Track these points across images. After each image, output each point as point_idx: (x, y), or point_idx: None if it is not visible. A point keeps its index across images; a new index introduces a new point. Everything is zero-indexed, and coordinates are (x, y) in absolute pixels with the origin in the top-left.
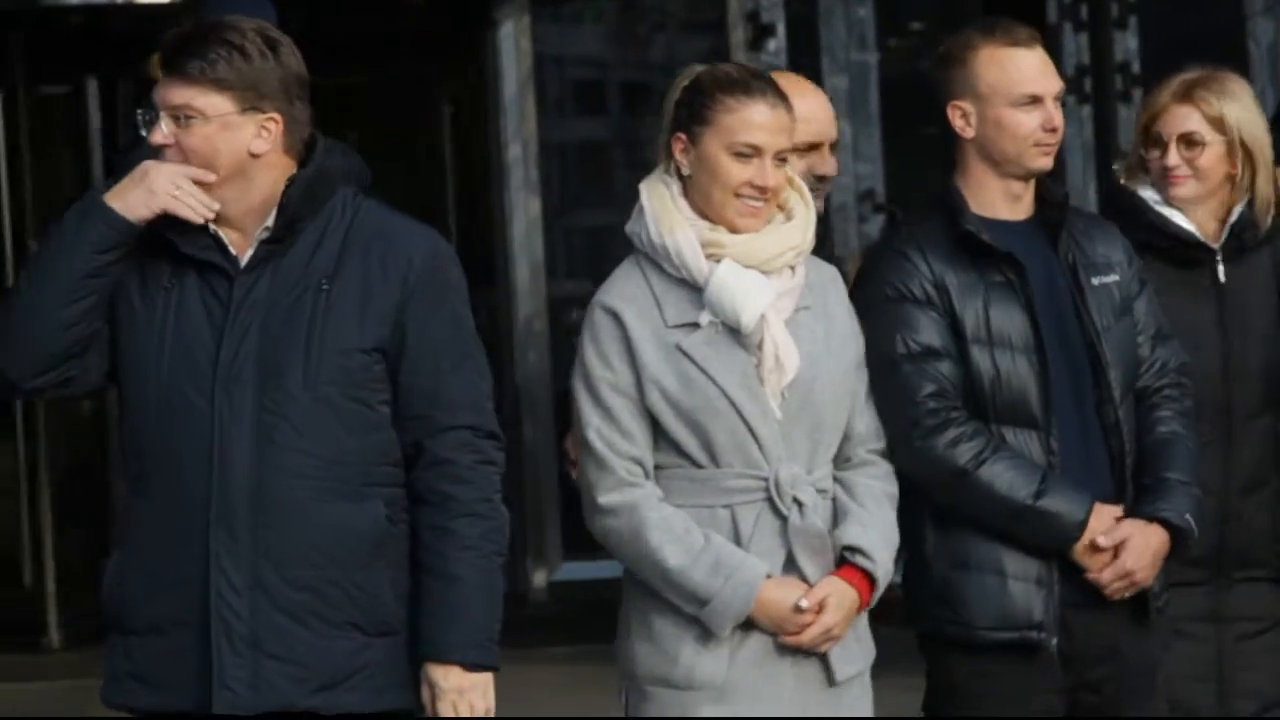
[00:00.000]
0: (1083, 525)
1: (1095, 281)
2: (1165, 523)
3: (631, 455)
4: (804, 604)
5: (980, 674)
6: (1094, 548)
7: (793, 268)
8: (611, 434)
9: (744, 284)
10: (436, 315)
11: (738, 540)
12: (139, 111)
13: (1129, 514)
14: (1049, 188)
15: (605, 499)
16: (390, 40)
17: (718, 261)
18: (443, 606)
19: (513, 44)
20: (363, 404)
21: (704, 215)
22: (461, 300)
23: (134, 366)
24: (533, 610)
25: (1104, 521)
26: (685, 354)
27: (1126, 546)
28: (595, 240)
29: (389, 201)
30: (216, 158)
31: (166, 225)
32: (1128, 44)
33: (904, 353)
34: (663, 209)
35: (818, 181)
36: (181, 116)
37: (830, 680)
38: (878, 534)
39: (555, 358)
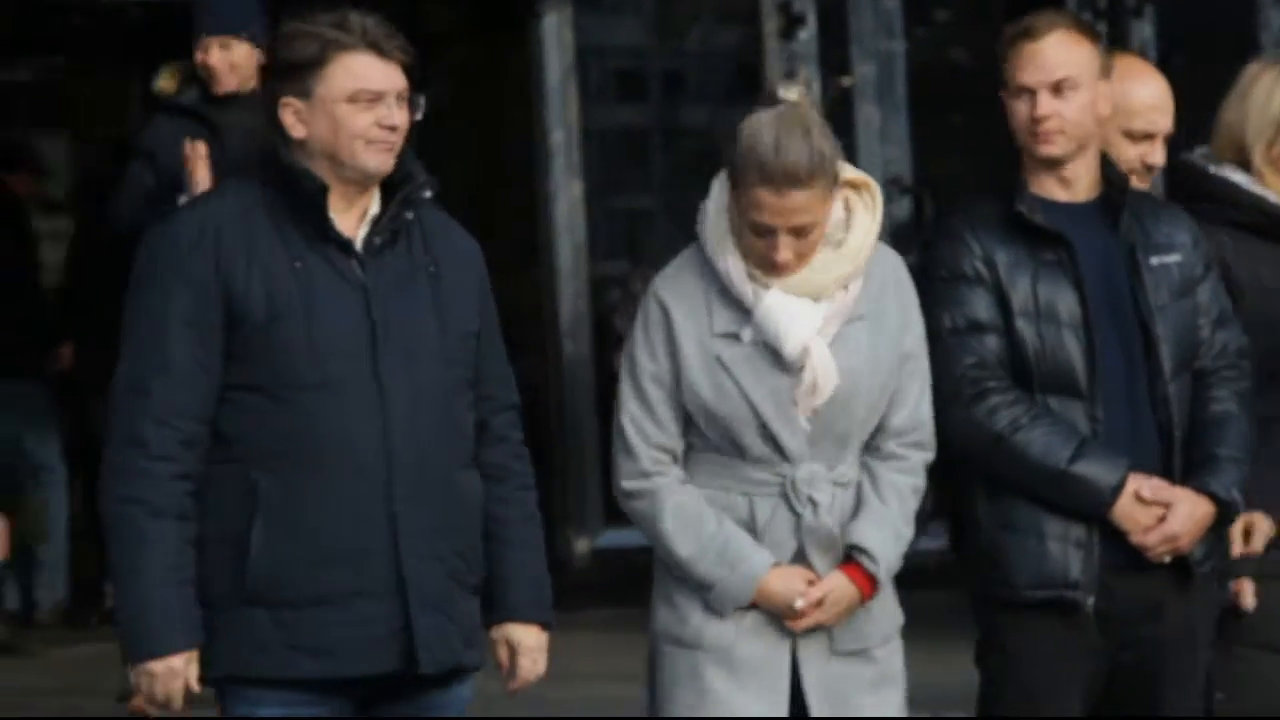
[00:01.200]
0: (1117, 491)
1: (1154, 261)
2: (1212, 496)
3: (661, 444)
4: (799, 605)
5: (1023, 631)
6: (1137, 499)
7: (846, 286)
8: (644, 422)
9: (790, 313)
10: (487, 303)
11: (753, 528)
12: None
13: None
14: (1114, 169)
15: (628, 484)
16: (439, 33)
17: (765, 288)
18: (518, 570)
19: (555, 35)
20: (470, 383)
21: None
22: (490, 291)
23: (274, 354)
24: (575, 576)
25: (1148, 486)
26: (724, 366)
27: (1173, 511)
28: (634, 222)
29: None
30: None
31: (314, 200)
32: (1143, 32)
33: (950, 327)
34: (717, 229)
35: (1146, 171)
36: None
37: (834, 650)
38: (889, 532)
39: (596, 334)
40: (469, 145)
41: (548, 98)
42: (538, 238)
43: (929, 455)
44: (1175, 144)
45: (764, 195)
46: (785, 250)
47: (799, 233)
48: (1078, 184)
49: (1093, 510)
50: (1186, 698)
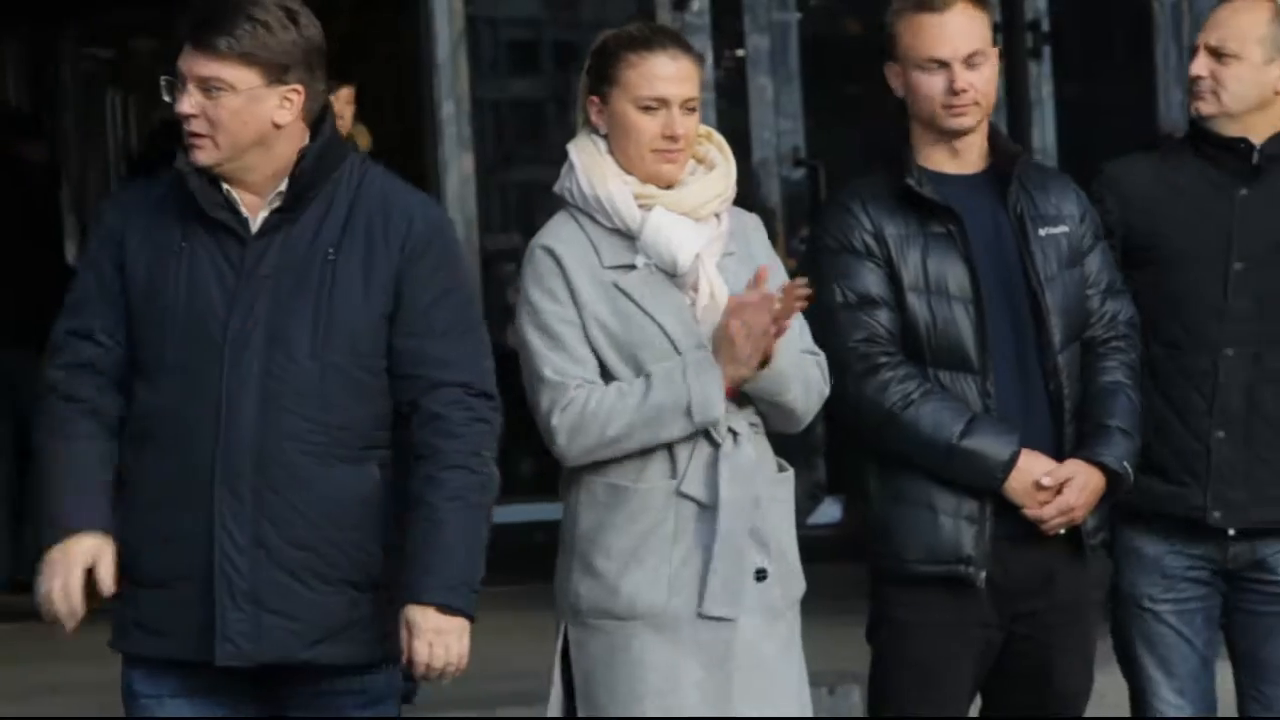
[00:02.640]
0: (1008, 467)
1: (1043, 232)
2: (1104, 467)
3: (583, 378)
4: (1046, 481)
5: (914, 606)
6: (1037, 487)
7: (718, 216)
8: (565, 363)
9: (677, 227)
10: (430, 281)
11: (674, 470)
12: (164, 79)
13: (1069, 456)
14: (1002, 141)
15: (558, 420)
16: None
17: (648, 210)
18: (425, 550)
19: (446, 4)
20: (368, 371)
21: (628, 170)
22: (455, 268)
23: (149, 331)
24: None
25: (1040, 464)
26: (623, 291)
27: (1069, 484)
28: (528, 196)
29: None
30: (243, 129)
31: (186, 181)
32: (1037, 3)
33: (841, 301)
34: (593, 163)
35: None
36: (210, 88)
37: (772, 611)
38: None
39: (488, 308)
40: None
41: (438, 68)
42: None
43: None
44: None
45: (656, 67)
46: (680, 124)
47: (689, 109)
48: (968, 155)
49: (984, 485)
50: (1076, 668)
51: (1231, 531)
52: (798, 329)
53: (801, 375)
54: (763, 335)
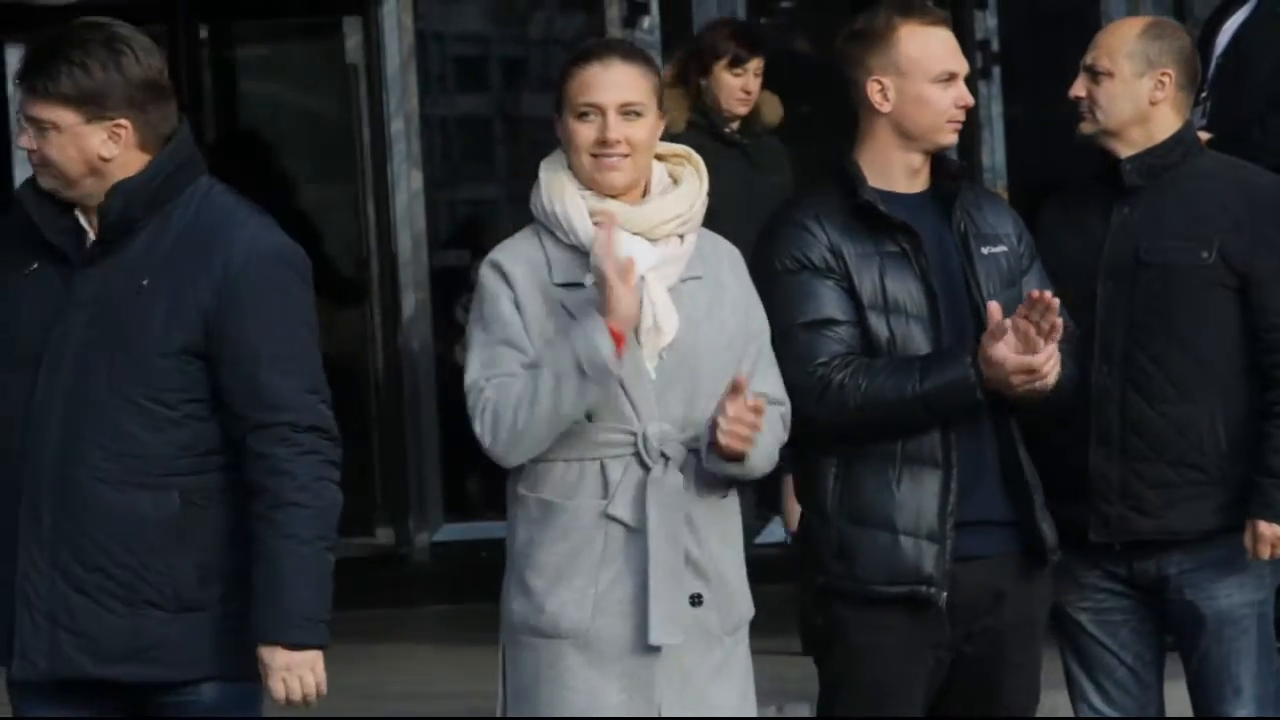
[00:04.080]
0: (977, 381)
1: (985, 251)
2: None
3: (501, 373)
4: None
5: (870, 627)
6: (1014, 369)
7: (681, 237)
8: (503, 360)
9: (626, 248)
10: (252, 316)
11: (605, 490)
12: (19, 117)
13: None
14: (944, 161)
15: (479, 425)
16: (277, 15)
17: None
18: (265, 590)
19: (395, 20)
20: (164, 404)
21: (588, 186)
22: (281, 298)
23: (1, 352)
24: (414, 570)
25: (1001, 351)
26: (569, 312)
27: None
28: (476, 213)
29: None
30: (70, 164)
31: (35, 207)
32: (987, 22)
33: (803, 322)
34: (553, 179)
35: None
36: (40, 127)
37: (707, 637)
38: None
39: (436, 326)
40: (310, 132)
41: (388, 84)
42: (378, 228)
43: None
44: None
45: (587, 75)
46: (615, 130)
47: (628, 114)
48: (923, 174)
49: (972, 401)
50: (1024, 687)
51: (1118, 546)
52: (769, 374)
53: (766, 449)
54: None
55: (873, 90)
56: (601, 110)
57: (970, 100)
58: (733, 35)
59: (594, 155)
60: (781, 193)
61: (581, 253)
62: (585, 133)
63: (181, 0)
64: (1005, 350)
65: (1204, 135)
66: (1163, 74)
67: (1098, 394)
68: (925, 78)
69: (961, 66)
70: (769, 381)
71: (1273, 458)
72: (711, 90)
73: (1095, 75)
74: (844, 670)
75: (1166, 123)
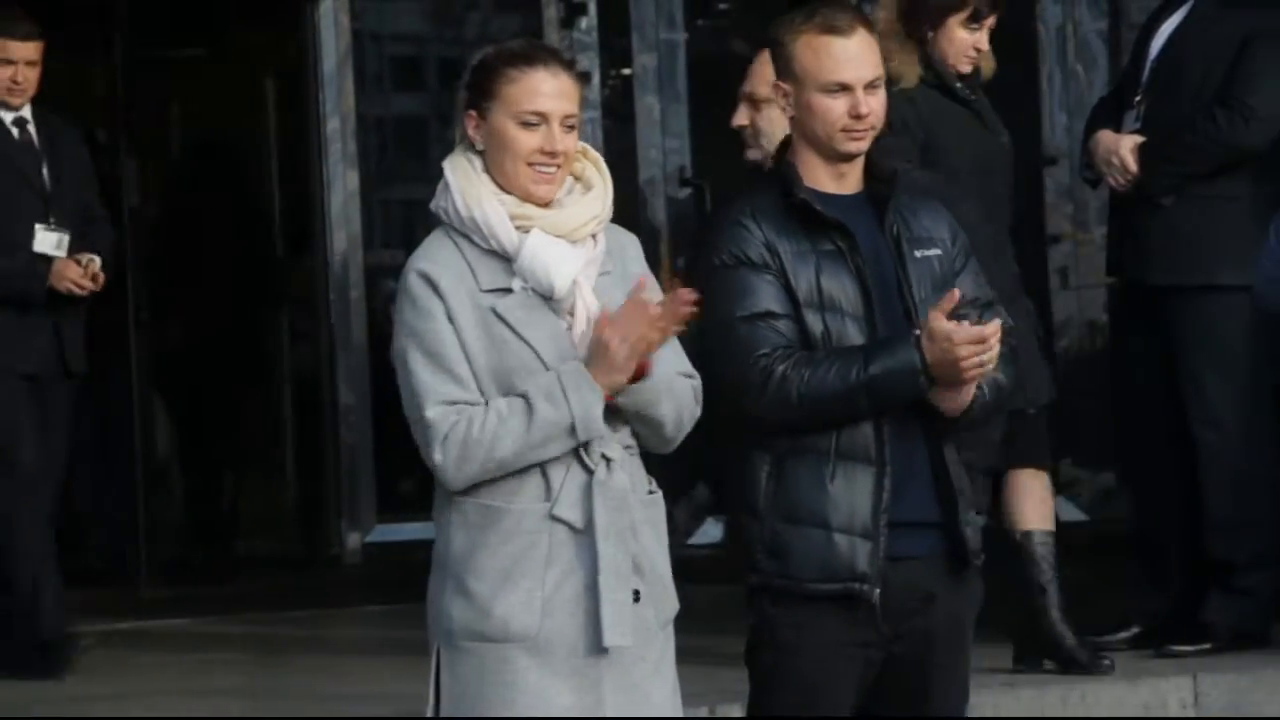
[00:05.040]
0: (922, 367)
1: (918, 254)
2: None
3: (465, 400)
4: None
5: (802, 625)
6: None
7: (594, 236)
8: (448, 387)
9: (554, 252)
10: None
11: (548, 493)
12: None
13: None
14: (878, 164)
15: (440, 455)
16: (217, 15)
17: (526, 232)
18: None
19: (332, 19)
20: None
21: (505, 189)
22: None
23: None
24: (346, 572)
25: (943, 325)
26: (500, 316)
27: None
28: (412, 212)
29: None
30: None
31: None
32: None
33: (741, 315)
34: (468, 183)
35: None
36: None
37: (644, 628)
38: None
39: (371, 325)
40: (249, 130)
41: (324, 84)
42: (313, 227)
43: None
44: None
45: (535, 82)
46: (560, 141)
47: (569, 126)
48: (851, 176)
49: (916, 388)
50: (954, 688)
51: None
52: (672, 351)
53: (674, 392)
54: (639, 341)
55: (778, 95)
56: (547, 119)
57: (863, 110)
58: None
59: (531, 164)
60: (1008, 154)
61: (504, 258)
62: (528, 141)
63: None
64: (950, 324)
65: (1138, 138)
66: None
67: None
68: (815, 87)
69: (857, 77)
70: (668, 358)
71: None
72: (939, 44)
73: (755, 103)
74: (774, 669)
75: None
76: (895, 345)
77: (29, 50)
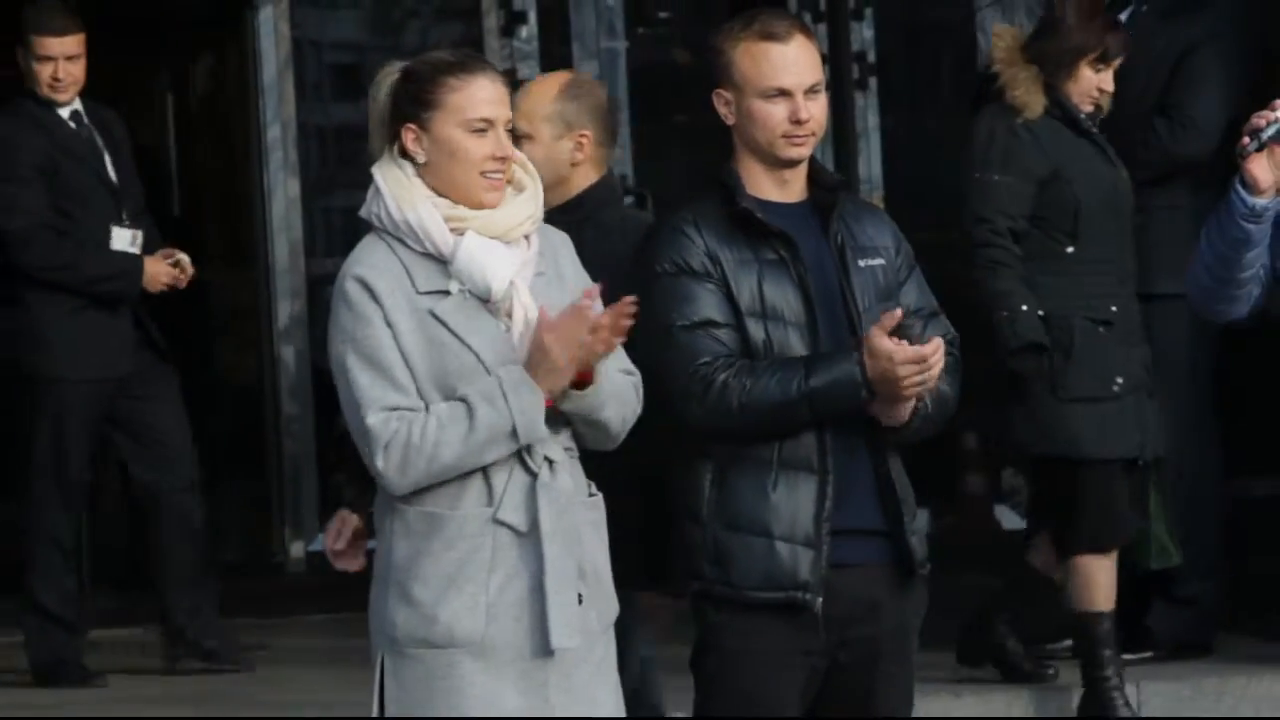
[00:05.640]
0: (865, 381)
1: (861, 264)
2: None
3: (405, 406)
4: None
5: (745, 633)
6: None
7: (528, 237)
8: (388, 393)
9: (491, 253)
10: None
11: (490, 497)
12: None
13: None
14: (822, 172)
15: (383, 461)
16: (155, 21)
17: (460, 234)
18: None
19: (272, 27)
20: None
21: (442, 196)
22: None
23: None
24: (290, 580)
25: (885, 345)
26: (438, 319)
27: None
28: (352, 220)
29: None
30: None
31: None
32: (864, 34)
33: (682, 324)
34: (400, 188)
35: None
36: None
37: (587, 630)
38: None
39: (312, 332)
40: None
41: (264, 92)
42: (254, 235)
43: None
44: None
45: (480, 90)
46: (508, 146)
47: (509, 130)
48: (794, 184)
49: (857, 401)
50: (899, 696)
51: None
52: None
53: (617, 394)
54: (580, 347)
55: (719, 103)
56: (494, 125)
57: (803, 115)
58: (1106, 30)
59: (483, 173)
60: (1129, 189)
61: (439, 260)
62: (480, 148)
63: None
64: (891, 343)
65: None
66: (581, 135)
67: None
68: (754, 93)
69: (797, 82)
70: (617, 355)
71: None
72: (1063, 81)
73: (517, 139)
74: (718, 677)
75: (586, 181)
76: (836, 358)
77: (67, 45)
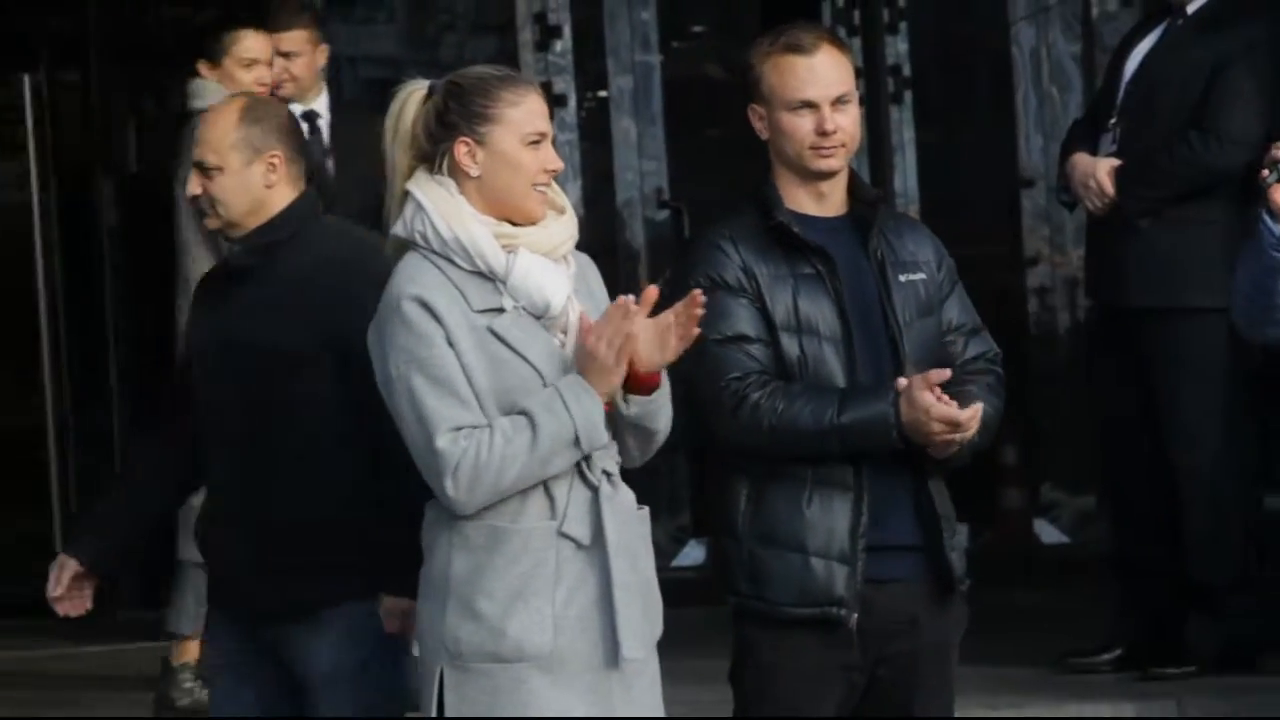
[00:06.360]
0: (896, 423)
1: (902, 278)
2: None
3: (471, 424)
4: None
5: (781, 649)
6: (934, 415)
7: (566, 257)
8: (456, 412)
9: (545, 270)
10: None
11: (553, 511)
12: None
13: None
14: (862, 186)
15: (452, 485)
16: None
17: (511, 252)
18: None
19: None
20: None
21: (487, 212)
22: None
23: None
24: None
25: (923, 395)
26: (496, 335)
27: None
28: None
29: None
30: None
31: None
32: (899, 48)
33: (716, 338)
34: (447, 205)
35: None
36: None
37: (647, 641)
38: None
39: None
40: None
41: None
42: None
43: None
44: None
45: (536, 104)
46: (556, 158)
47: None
48: (832, 198)
49: (888, 442)
50: (938, 711)
51: None
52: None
53: (668, 403)
54: (625, 340)
55: (754, 119)
56: (545, 137)
57: (829, 126)
58: None
59: (537, 184)
60: None
61: (487, 278)
62: (534, 161)
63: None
64: (931, 398)
65: (1114, 162)
66: (272, 156)
67: (223, 480)
68: (782, 106)
69: (822, 94)
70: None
71: (392, 528)
72: None
73: (207, 171)
74: (756, 691)
75: (284, 201)
76: (871, 397)
77: (284, 41)
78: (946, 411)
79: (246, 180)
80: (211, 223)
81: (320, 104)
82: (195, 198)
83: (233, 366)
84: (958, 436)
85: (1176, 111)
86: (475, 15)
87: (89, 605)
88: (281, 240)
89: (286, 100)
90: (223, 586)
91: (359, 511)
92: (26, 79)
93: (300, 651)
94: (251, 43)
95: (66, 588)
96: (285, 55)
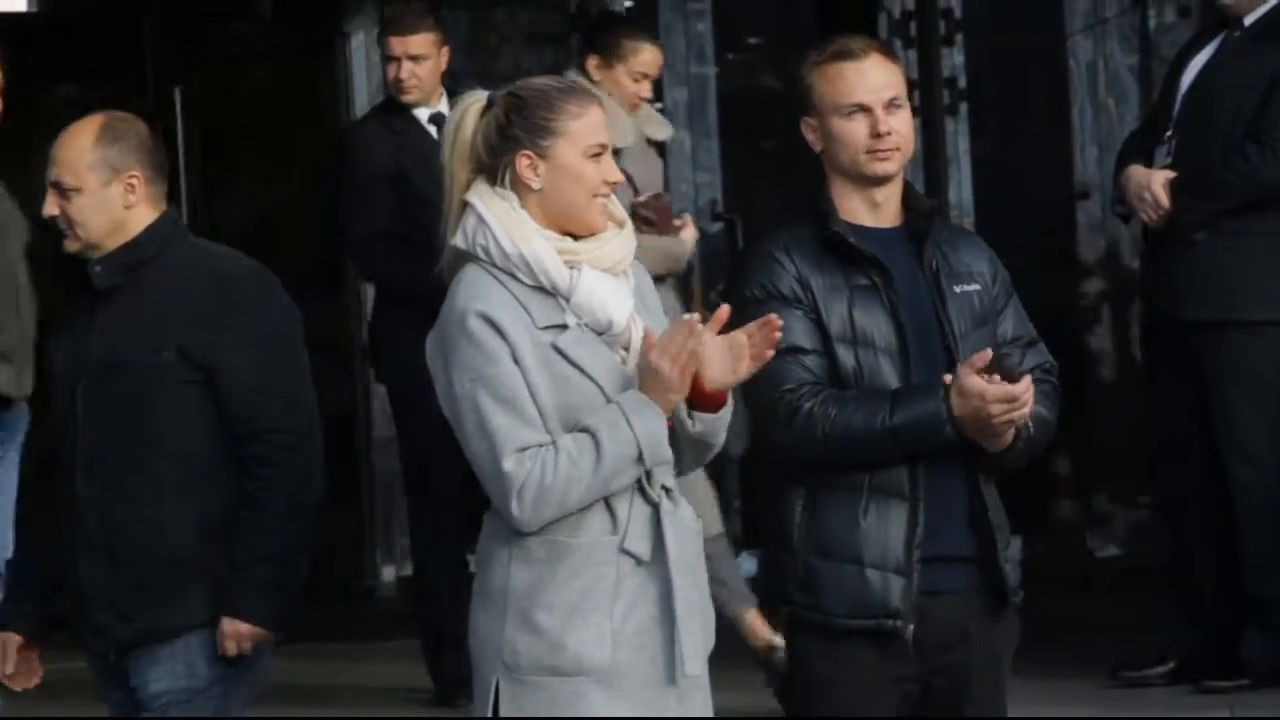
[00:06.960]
0: (949, 417)
1: (957, 289)
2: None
3: (537, 442)
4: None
5: (836, 660)
6: (986, 397)
7: (626, 272)
8: (522, 431)
9: (609, 287)
10: None
11: (614, 526)
12: None
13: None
14: (917, 197)
15: (517, 506)
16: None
17: (574, 268)
18: None
19: (364, 54)
20: None
21: (548, 225)
22: None
23: None
24: (380, 605)
25: (975, 383)
26: (561, 353)
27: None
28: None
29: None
30: None
31: None
32: (954, 59)
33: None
34: (511, 220)
35: None
36: None
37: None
38: None
39: None
40: (279, 167)
41: (356, 119)
42: (343, 264)
43: None
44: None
45: (598, 116)
46: (616, 170)
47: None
48: (887, 209)
49: (941, 439)
50: None
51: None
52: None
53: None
54: (688, 358)
55: (807, 131)
56: (606, 149)
57: (883, 129)
58: None
59: (598, 195)
60: None
61: (549, 294)
62: (597, 173)
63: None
64: (981, 381)
65: (1170, 174)
66: (130, 177)
67: (81, 502)
68: (833, 112)
69: (874, 97)
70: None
71: (239, 552)
72: None
73: (64, 192)
74: (809, 702)
75: (145, 221)
76: (922, 394)
77: (410, 44)
78: (1000, 389)
79: (105, 201)
80: (70, 244)
81: (444, 106)
82: (53, 218)
83: (95, 387)
84: (1017, 414)
85: (1233, 123)
86: (532, 26)
87: (40, 675)
88: (144, 260)
89: (414, 105)
90: (80, 616)
91: (207, 538)
92: None
93: (139, 680)
94: (649, 57)
95: (14, 664)
96: (413, 59)
